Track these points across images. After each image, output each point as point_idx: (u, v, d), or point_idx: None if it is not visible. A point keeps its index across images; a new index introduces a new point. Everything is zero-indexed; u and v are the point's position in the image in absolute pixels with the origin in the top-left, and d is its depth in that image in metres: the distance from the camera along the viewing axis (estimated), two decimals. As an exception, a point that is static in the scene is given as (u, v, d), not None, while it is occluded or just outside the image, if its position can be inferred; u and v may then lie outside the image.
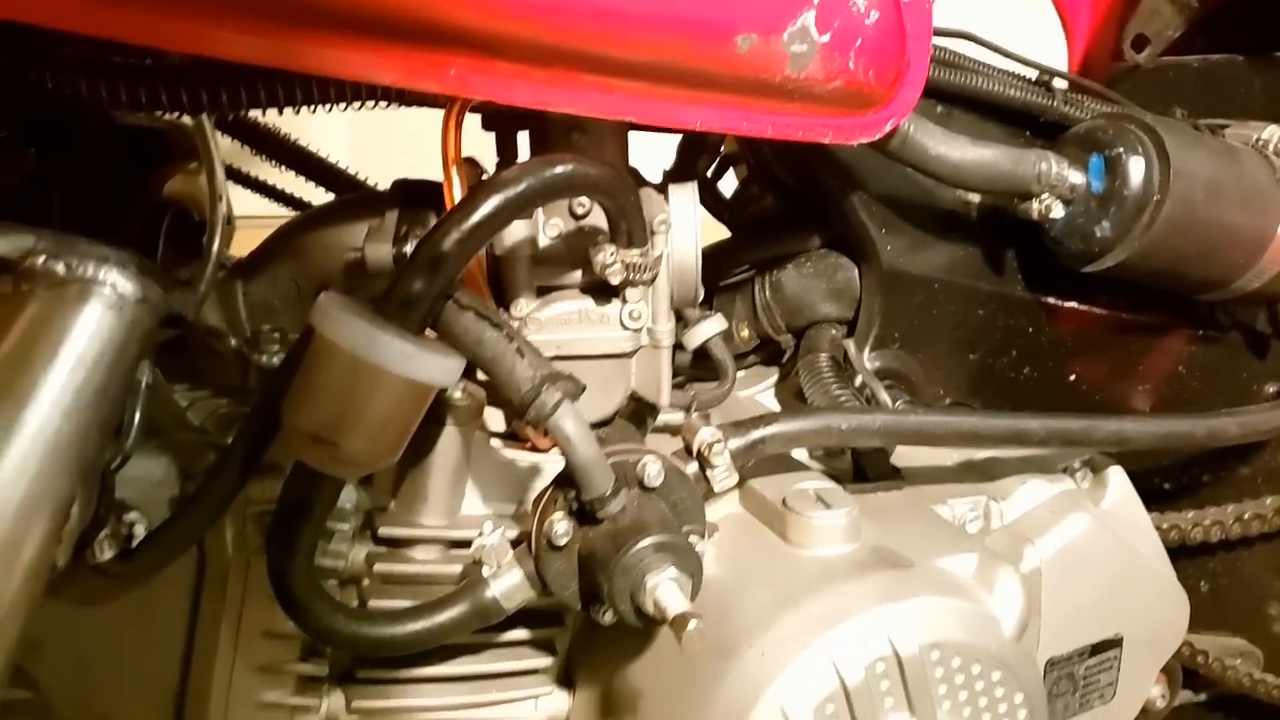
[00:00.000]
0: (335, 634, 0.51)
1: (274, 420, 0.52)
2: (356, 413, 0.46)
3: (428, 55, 0.49)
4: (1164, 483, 0.90)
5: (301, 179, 0.83)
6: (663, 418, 0.69)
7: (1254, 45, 0.91)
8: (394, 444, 0.49)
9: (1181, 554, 0.87)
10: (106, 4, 0.45)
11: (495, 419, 0.67)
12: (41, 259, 0.44)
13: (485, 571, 0.53)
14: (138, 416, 0.50)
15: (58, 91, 0.54)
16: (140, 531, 0.50)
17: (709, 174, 0.82)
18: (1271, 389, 0.88)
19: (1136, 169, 0.69)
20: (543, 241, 0.61)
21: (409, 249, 0.59)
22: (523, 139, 0.65)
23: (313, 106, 0.56)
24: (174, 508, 0.52)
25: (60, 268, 0.44)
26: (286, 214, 0.86)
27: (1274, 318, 0.85)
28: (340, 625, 0.51)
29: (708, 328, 0.71)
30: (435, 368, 0.47)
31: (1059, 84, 0.80)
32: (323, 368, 0.46)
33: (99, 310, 0.45)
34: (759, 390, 0.80)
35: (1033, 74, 0.80)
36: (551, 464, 0.63)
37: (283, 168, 0.80)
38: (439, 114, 0.57)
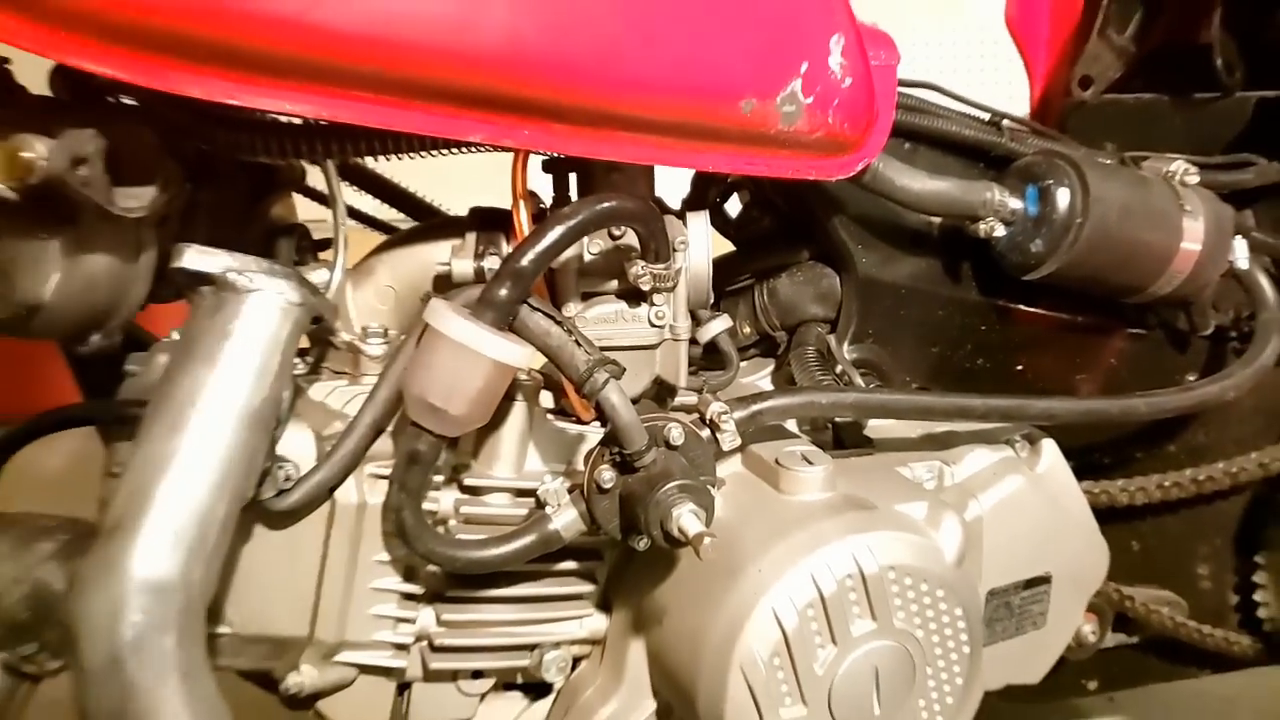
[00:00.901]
0: (437, 555, 0.67)
1: (391, 395, 0.68)
2: (460, 387, 0.63)
3: (509, 121, 0.65)
4: (1103, 458, 1.05)
5: (375, 201, 0.99)
6: (679, 398, 0.85)
7: (1178, 87, 1.07)
8: (485, 410, 0.65)
9: (1115, 517, 1.02)
10: (268, 84, 0.61)
11: (546, 399, 0.84)
12: (234, 275, 0.61)
13: (548, 510, 0.69)
14: (291, 392, 0.66)
15: (218, 142, 0.71)
16: (292, 479, 0.66)
17: (717, 200, 0.98)
18: (1191, 379, 1.04)
19: (1063, 197, 0.85)
20: (587, 257, 0.77)
21: (485, 264, 0.75)
22: (571, 177, 0.82)
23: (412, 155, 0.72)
24: (316, 462, 0.68)
25: (247, 281, 0.61)
26: (363, 229, 1.02)
27: (1190, 319, 1.00)
28: (442, 548, 0.67)
29: (716, 325, 0.87)
30: (516, 354, 0.64)
31: (1007, 124, 0.96)
32: (436, 353, 0.63)
33: (275, 313, 0.61)
34: (757, 377, 0.95)
35: (985, 116, 0.96)
36: (591, 433, 0.79)
37: (363, 192, 0.97)
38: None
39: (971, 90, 1.00)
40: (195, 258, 0.60)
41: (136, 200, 0.68)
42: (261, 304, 0.61)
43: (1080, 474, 0.96)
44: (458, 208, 0.94)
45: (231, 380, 0.59)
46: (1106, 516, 0.99)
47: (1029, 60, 1.25)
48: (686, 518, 0.63)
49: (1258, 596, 1.08)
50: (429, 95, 0.63)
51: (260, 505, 0.65)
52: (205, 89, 0.59)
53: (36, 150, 0.61)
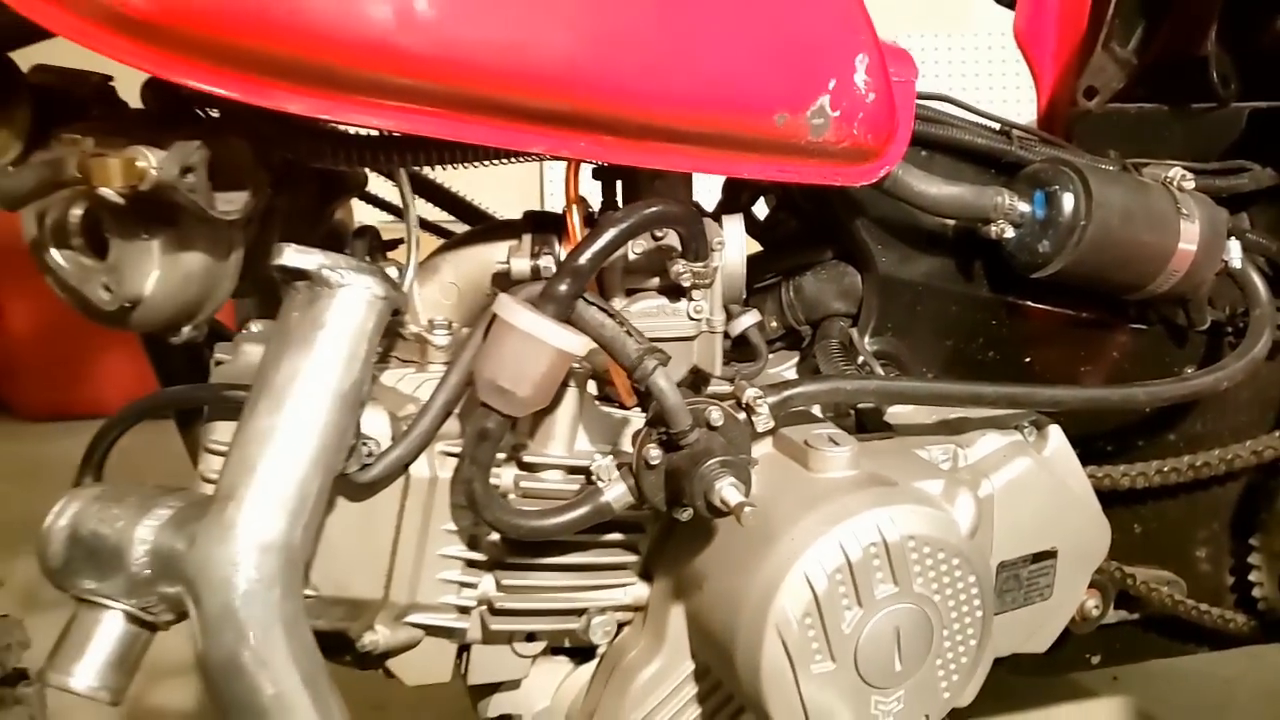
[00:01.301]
0: (502, 522, 0.74)
1: (460, 380, 0.75)
2: (526, 371, 0.70)
3: (566, 134, 0.73)
4: (1107, 445, 1.11)
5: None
6: (713, 385, 0.92)
7: (1178, 98, 1.14)
8: (547, 393, 0.73)
9: (1117, 500, 1.08)
10: (356, 102, 0.69)
11: (592, 386, 0.91)
12: (328, 271, 0.68)
13: (600, 484, 0.76)
14: (372, 375, 0.74)
15: (301, 151, 0.78)
16: (374, 454, 0.74)
17: (747, 203, 1.05)
18: (1190, 370, 1.11)
19: (1068, 201, 0.92)
20: (631, 256, 0.84)
21: (540, 262, 0.83)
22: (618, 184, 0.89)
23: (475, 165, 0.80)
24: (393, 440, 0.75)
25: (338, 277, 0.68)
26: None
27: (1188, 314, 1.07)
28: (507, 516, 0.74)
29: (747, 319, 0.94)
30: (575, 343, 0.71)
31: (1016, 133, 1.03)
32: (505, 342, 0.70)
33: (363, 305, 0.68)
34: (784, 368, 1.01)
35: (995, 125, 1.03)
36: (634, 417, 0.86)
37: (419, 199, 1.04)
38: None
39: (980, 95, 1.07)
40: (294, 255, 0.67)
41: (231, 205, 0.75)
42: (352, 297, 0.68)
43: (1085, 460, 1.03)
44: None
45: (325, 365, 0.67)
46: (1109, 500, 1.06)
47: (1036, 71, 1.31)
48: (728, 489, 0.71)
49: (1252, 577, 1.15)
50: (496, 111, 0.70)
51: (345, 478, 0.72)
52: (303, 106, 0.67)
53: (149, 160, 0.69)
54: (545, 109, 0.71)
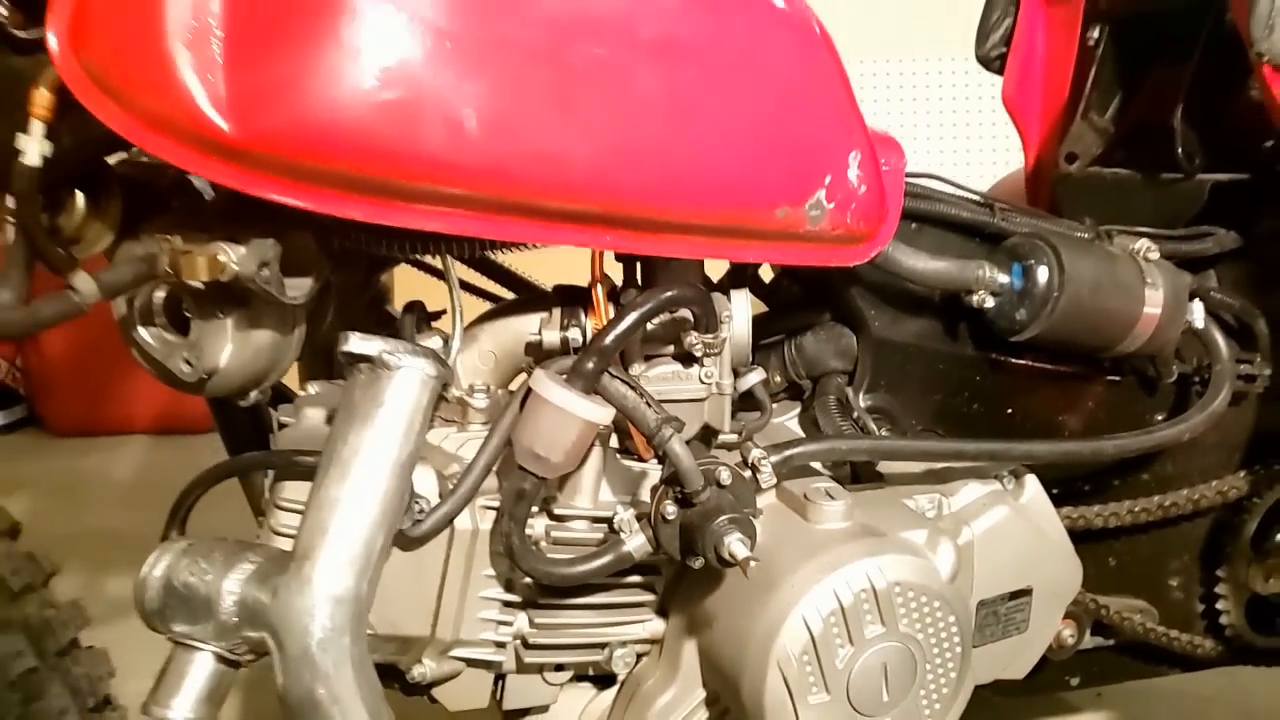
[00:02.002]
0: (537, 570, 0.84)
1: (499, 443, 0.85)
2: (559, 440, 0.80)
3: (595, 230, 0.83)
4: (1084, 485, 1.21)
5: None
6: (722, 438, 1.02)
7: (1150, 166, 1.24)
8: (576, 458, 0.83)
9: (1093, 537, 1.18)
10: (412, 208, 0.79)
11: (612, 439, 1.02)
12: (387, 355, 0.78)
13: (622, 534, 0.86)
14: (423, 442, 0.84)
15: (360, 241, 0.89)
16: (425, 510, 0.84)
17: (754, 271, 1.15)
18: (1160, 418, 1.21)
19: (1043, 274, 1.02)
20: (649, 328, 0.94)
21: (569, 334, 0.93)
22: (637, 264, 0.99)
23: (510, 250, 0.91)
24: (440, 497, 0.85)
25: (396, 360, 0.78)
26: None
27: (1157, 369, 1.16)
28: (541, 565, 0.84)
29: (753, 377, 1.04)
30: (601, 414, 0.81)
31: (998, 205, 1.13)
32: (540, 414, 0.80)
33: (418, 384, 0.78)
34: (786, 419, 1.11)
35: (978, 199, 1.13)
36: (651, 469, 0.96)
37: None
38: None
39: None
40: (358, 343, 0.77)
41: (298, 290, 0.86)
42: (408, 378, 0.78)
43: (1063, 500, 1.13)
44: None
45: (385, 439, 0.77)
46: (1085, 537, 1.16)
47: (1024, 134, 1.42)
48: (735, 544, 0.81)
49: (1219, 606, 1.25)
50: (533, 213, 0.81)
51: (400, 533, 0.83)
52: (365, 212, 0.77)
53: (230, 256, 0.80)
54: (575, 211, 0.81)
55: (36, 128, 0.73)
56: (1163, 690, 1.56)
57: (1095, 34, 1.28)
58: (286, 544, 0.80)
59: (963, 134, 3.39)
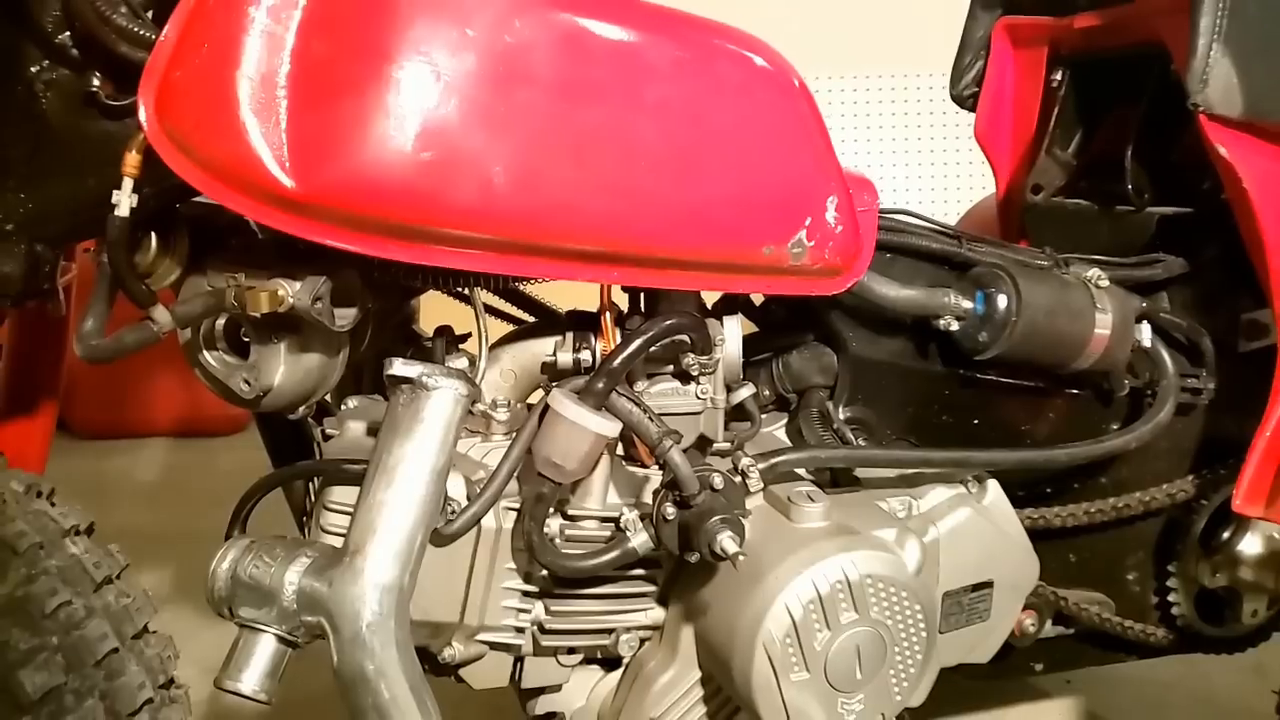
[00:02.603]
0: (554, 564, 0.97)
1: (520, 453, 0.98)
2: (573, 450, 0.93)
3: (604, 267, 0.95)
4: (1046, 488, 1.33)
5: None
6: (716, 446, 1.14)
7: (1106, 199, 1.36)
8: (589, 466, 0.95)
9: (1055, 535, 1.29)
10: (448, 251, 0.91)
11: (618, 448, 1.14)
12: (425, 378, 0.90)
13: (627, 533, 0.99)
14: (453, 452, 0.96)
15: (399, 274, 1.01)
16: (456, 511, 0.96)
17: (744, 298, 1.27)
18: (1115, 427, 1.33)
19: (1002, 301, 1.14)
20: (651, 350, 1.06)
21: (580, 355, 1.05)
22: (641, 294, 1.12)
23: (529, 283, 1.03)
24: (468, 499, 0.98)
25: (434, 382, 0.90)
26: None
27: (1110, 383, 1.28)
28: (556, 559, 0.96)
29: (743, 392, 1.16)
30: (610, 428, 0.94)
31: (965, 236, 1.25)
32: (557, 428, 0.92)
33: (451, 402, 0.90)
34: (774, 428, 1.23)
35: (947, 230, 1.25)
36: (653, 474, 1.08)
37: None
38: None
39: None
40: (401, 367, 0.89)
41: (345, 319, 0.98)
42: (444, 398, 0.90)
43: (1027, 502, 1.25)
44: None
45: (424, 450, 0.89)
46: (1047, 536, 1.28)
47: (996, 167, 1.54)
48: (727, 541, 0.93)
49: (1171, 598, 1.37)
50: (551, 254, 0.93)
51: (434, 531, 0.95)
52: (408, 255, 0.89)
53: (288, 291, 0.92)
54: (587, 251, 0.93)
55: (127, 185, 0.85)
56: (1126, 677, 1.69)
57: (1059, 76, 1.41)
58: (334, 540, 0.92)
59: (953, 144, 3.52)
